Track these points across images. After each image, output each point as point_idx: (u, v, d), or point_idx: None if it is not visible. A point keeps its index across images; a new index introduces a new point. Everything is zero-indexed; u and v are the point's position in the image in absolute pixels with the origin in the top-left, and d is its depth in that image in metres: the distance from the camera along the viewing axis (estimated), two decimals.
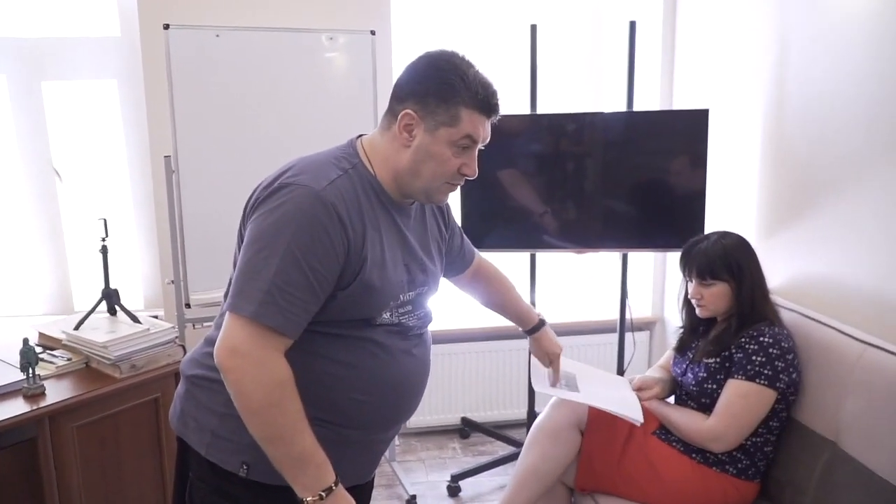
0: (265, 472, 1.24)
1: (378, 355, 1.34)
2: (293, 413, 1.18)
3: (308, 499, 1.18)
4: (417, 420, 3.27)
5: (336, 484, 1.21)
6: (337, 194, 1.23)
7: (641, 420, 1.93)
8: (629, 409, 1.97)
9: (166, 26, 2.42)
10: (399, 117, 1.29)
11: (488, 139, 1.36)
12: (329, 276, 1.22)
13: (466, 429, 3.30)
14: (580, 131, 2.77)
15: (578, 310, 3.46)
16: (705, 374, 2.00)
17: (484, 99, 1.30)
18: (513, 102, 3.12)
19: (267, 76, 2.57)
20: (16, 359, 1.95)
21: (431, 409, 3.28)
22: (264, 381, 1.16)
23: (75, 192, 3.17)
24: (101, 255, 2.17)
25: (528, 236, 2.81)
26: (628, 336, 2.97)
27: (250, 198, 1.31)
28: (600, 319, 3.29)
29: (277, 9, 2.87)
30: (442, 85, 1.27)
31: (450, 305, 3.45)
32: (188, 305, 2.56)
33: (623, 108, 2.83)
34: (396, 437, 3.05)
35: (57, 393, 1.95)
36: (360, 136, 1.40)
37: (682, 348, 2.18)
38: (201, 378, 1.35)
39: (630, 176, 2.75)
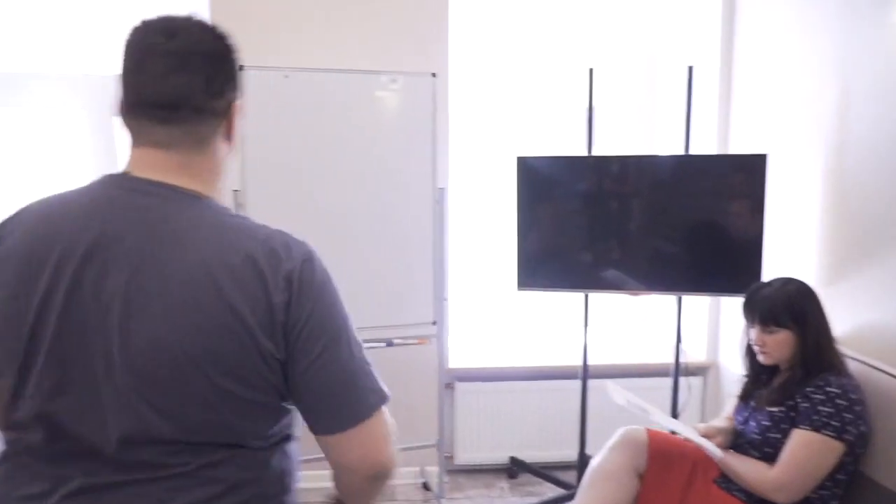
0: None
1: None
2: None
3: None
4: (466, 457, 3.27)
5: None
6: None
7: (721, 454, 1.92)
8: (706, 442, 1.97)
9: (241, 67, 2.51)
10: None
11: None
12: None
13: (515, 468, 3.27)
14: (638, 173, 2.79)
15: (631, 352, 3.44)
16: (769, 423, 1.98)
17: None
18: (570, 144, 3.17)
19: (331, 115, 2.66)
20: None
21: (480, 447, 3.27)
22: None
23: None
24: None
25: (583, 277, 2.81)
26: (682, 380, 2.94)
27: (283, 269, 0.99)
28: (653, 363, 3.27)
29: (343, 51, 2.97)
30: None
31: (501, 343, 3.49)
32: None
33: (680, 150, 2.85)
34: (445, 475, 3.05)
35: None
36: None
37: (745, 396, 2.15)
38: None
39: (688, 219, 2.75)
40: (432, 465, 3.23)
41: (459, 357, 3.29)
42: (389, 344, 2.81)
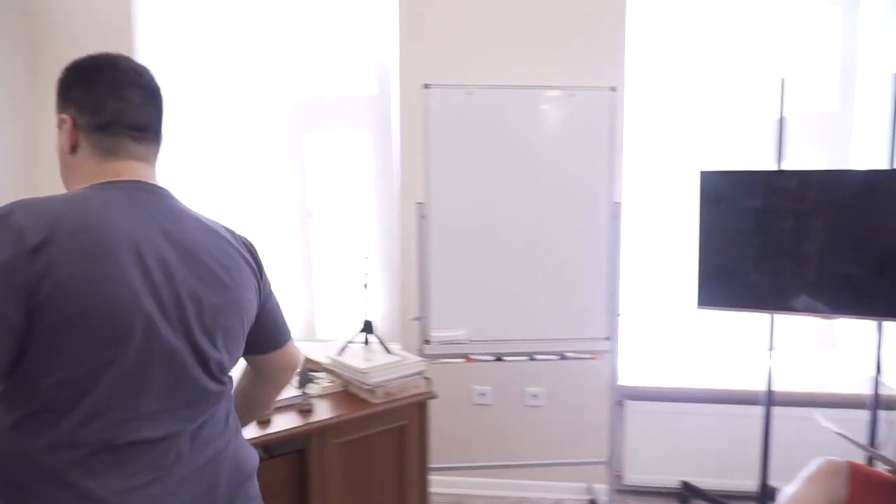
0: None
1: None
2: None
3: None
4: (635, 478, 3.19)
5: None
6: None
7: None
8: None
9: (426, 86, 2.66)
10: None
11: None
12: None
13: (686, 493, 3.15)
14: (829, 188, 2.61)
15: (819, 379, 3.21)
16: None
17: None
18: (759, 157, 3.03)
19: (511, 130, 2.73)
20: None
21: (650, 468, 3.19)
22: None
23: (325, 231, 3.53)
24: (363, 290, 2.40)
25: (768, 297, 2.67)
26: (881, 414, 2.70)
27: (254, 253, 1.38)
28: (845, 392, 3.03)
29: (523, 67, 3.05)
30: None
31: (676, 362, 3.38)
32: (427, 342, 2.73)
33: (883, 164, 2.64)
34: (614, 493, 2.99)
35: (322, 411, 2.17)
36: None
37: None
38: None
39: (886, 240, 2.54)
40: (599, 483, 3.19)
41: (631, 374, 3.23)
42: (562, 357, 2.81)
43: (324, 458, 2.11)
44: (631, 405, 3.18)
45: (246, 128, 3.46)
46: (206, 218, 1.30)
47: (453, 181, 2.72)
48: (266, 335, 1.43)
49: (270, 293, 1.43)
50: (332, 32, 3.37)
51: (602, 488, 3.18)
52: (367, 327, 2.41)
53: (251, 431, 1.98)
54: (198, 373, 1.20)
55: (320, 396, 2.27)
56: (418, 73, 3.05)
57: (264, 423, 2.04)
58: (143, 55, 3.26)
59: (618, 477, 3.18)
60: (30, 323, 1.02)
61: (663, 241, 3.35)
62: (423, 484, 2.37)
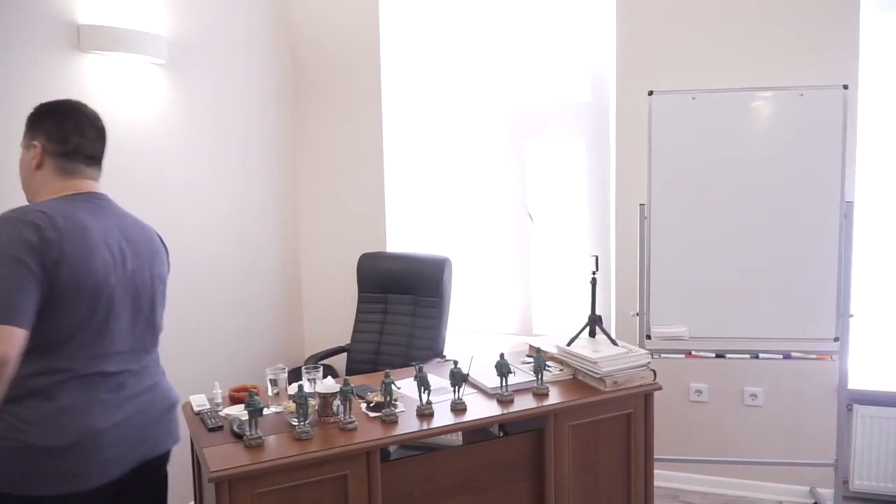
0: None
1: None
2: None
3: None
4: (863, 484, 3.10)
5: None
6: None
7: None
8: None
9: (650, 92, 2.79)
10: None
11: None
12: None
13: None
14: None
15: None
16: None
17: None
18: None
19: (736, 132, 2.78)
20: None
21: (879, 476, 3.07)
22: None
23: (544, 231, 3.76)
24: (590, 286, 2.59)
25: None
26: None
27: (163, 242, 1.92)
28: None
29: (748, 69, 3.06)
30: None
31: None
32: (648, 337, 2.86)
33: None
34: (840, 499, 2.93)
35: (553, 396, 2.39)
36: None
37: None
38: None
39: None
40: (824, 488, 3.13)
41: (861, 378, 3.12)
42: (787, 357, 2.81)
43: (558, 438, 2.33)
44: (859, 409, 3.08)
45: (472, 137, 3.79)
46: (136, 217, 1.84)
47: (675, 183, 2.82)
48: None
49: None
50: (550, 46, 3.59)
51: (826, 493, 3.11)
52: (597, 321, 2.59)
53: (496, 408, 2.25)
54: (144, 326, 1.78)
55: (552, 383, 2.50)
56: (636, 80, 3.17)
57: (507, 402, 2.31)
58: (387, 85, 3.70)
59: (844, 483, 3.09)
60: (48, 287, 1.54)
61: None
62: (648, 471, 2.51)
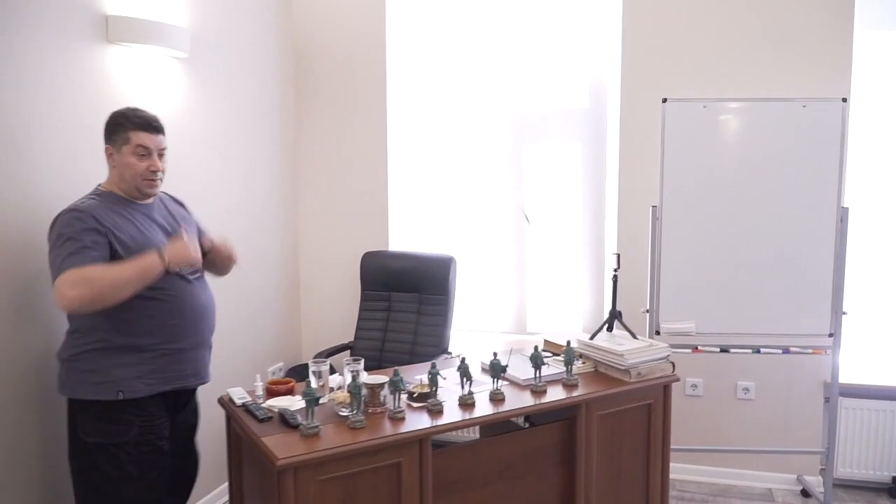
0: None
1: (171, 291, 2.13)
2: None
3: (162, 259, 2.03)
4: (846, 472, 3.31)
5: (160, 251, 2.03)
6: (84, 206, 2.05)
7: None
8: None
9: (664, 100, 2.93)
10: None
11: (163, 146, 2.17)
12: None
13: None
14: None
15: None
16: None
17: (139, 122, 2.09)
18: None
19: (743, 140, 2.95)
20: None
21: (860, 463, 3.30)
22: None
23: (539, 233, 3.87)
24: (612, 283, 2.70)
25: None
26: None
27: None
28: None
29: (755, 80, 3.23)
30: (112, 124, 2.11)
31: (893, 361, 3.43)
32: (657, 332, 3.00)
33: None
34: (823, 485, 3.13)
35: (583, 387, 2.49)
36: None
37: None
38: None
39: None
40: (810, 475, 3.33)
41: (847, 372, 3.33)
42: (786, 351, 3.00)
43: (588, 426, 2.43)
44: (842, 401, 3.29)
45: (472, 139, 3.87)
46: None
47: (686, 188, 2.97)
48: None
49: None
50: (551, 54, 3.71)
51: (813, 480, 3.31)
52: (616, 316, 2.71)
53: (529, 399, 2.34)
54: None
55: (577, 375, 2.60)
56: (641, 89, 3.32)
57: (541, 392, 2.40)
58: (390, 87, 3.75)
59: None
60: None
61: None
62: (665, 458, 2.64)
